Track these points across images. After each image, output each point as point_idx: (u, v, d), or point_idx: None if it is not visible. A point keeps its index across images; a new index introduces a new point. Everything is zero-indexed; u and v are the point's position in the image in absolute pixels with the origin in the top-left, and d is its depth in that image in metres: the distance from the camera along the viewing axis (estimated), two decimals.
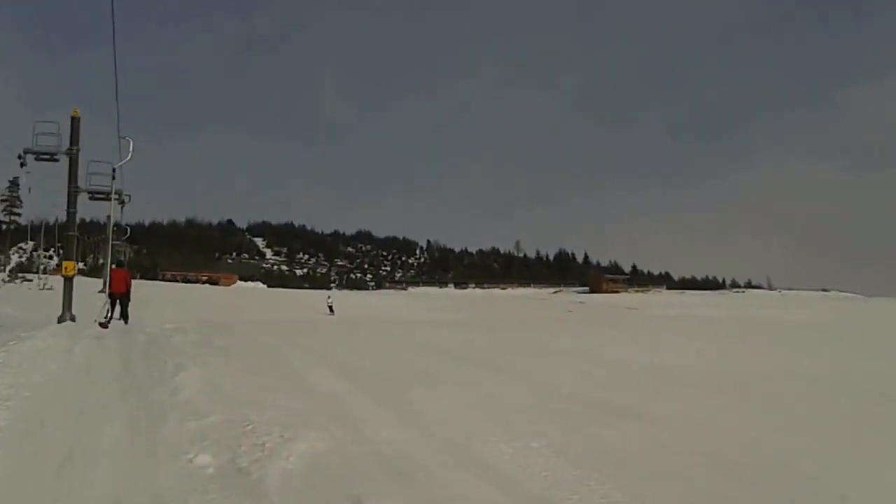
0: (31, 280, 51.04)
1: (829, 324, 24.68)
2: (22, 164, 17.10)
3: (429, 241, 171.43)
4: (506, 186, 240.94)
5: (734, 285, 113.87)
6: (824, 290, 78.40)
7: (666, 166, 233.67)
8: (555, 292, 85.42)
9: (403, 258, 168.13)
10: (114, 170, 19.45)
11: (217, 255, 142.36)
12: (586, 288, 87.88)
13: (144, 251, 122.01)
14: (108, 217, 23.54)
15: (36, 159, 17.15)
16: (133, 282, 18.18)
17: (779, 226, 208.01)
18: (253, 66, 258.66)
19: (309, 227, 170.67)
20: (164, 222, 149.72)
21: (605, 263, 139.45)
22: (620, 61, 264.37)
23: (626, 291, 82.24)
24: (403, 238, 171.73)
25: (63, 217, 18.83)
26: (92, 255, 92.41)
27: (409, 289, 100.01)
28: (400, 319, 23.23)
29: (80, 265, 77.16)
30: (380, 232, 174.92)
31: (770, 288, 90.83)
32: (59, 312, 17.14)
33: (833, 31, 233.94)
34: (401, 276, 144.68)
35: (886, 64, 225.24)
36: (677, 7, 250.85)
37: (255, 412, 5.64)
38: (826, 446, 5.17)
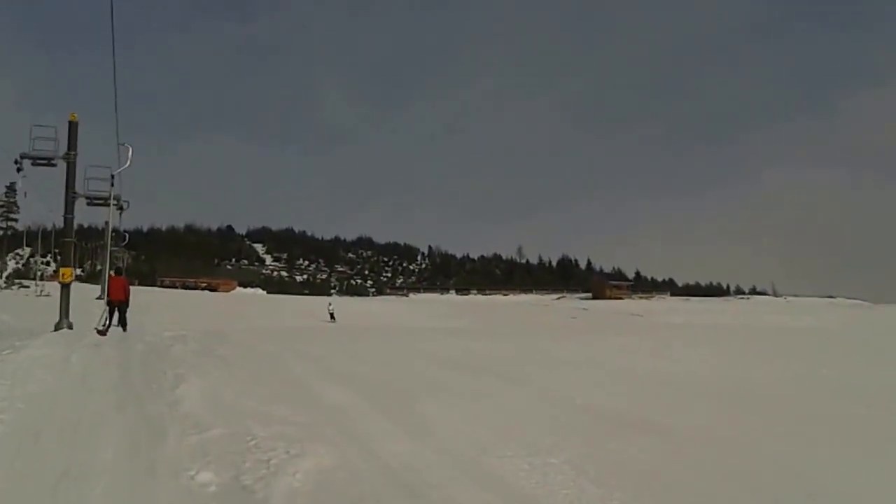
0: (27, 286, 50.72)
1: (838, 331, 24.49)
2: (19, 170, 16.92)
3: (430, 247, 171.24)
4: (508, 192, 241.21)
5: (738, 292, 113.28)
6: (830, 296, 78.05)
7: (669, 172, 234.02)
8: (557, 299, 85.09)
9: (404, 264, 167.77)
10: (112, 176, 19.27)
11: (216, 261, 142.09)
12: (589, 294, 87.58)
13: (143, 257, 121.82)
14: (107, 223, 23.37)
15: (33, 164, 16.96)
16: (131, 288, 18.11)
17: (783, 232, 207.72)
18: (253, 71, 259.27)
19: (309, 233, 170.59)
20: (163, 228, 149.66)
21: (608, 270, 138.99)
22: (623, 67, 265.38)
23: (629, 298, 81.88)
24: (404, 244, 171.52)
25: (60, 223, 18.63)
26: (90, 262, 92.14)
27: (411, 295, 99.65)
28: (402, 327, 23.01)
29: (78, 271, 76.92)
30: (381, 238, 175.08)
31: (775, 294, 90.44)
32: (56, 319, 16.91)
33: (836, 37, 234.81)
34: (402, 283, 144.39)
35: (892, 68, 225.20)
36: (679, 13, 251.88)
37: (258, 425, 5.43)
38: (858, 464, 4.97)
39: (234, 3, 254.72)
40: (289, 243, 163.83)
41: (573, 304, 65.84)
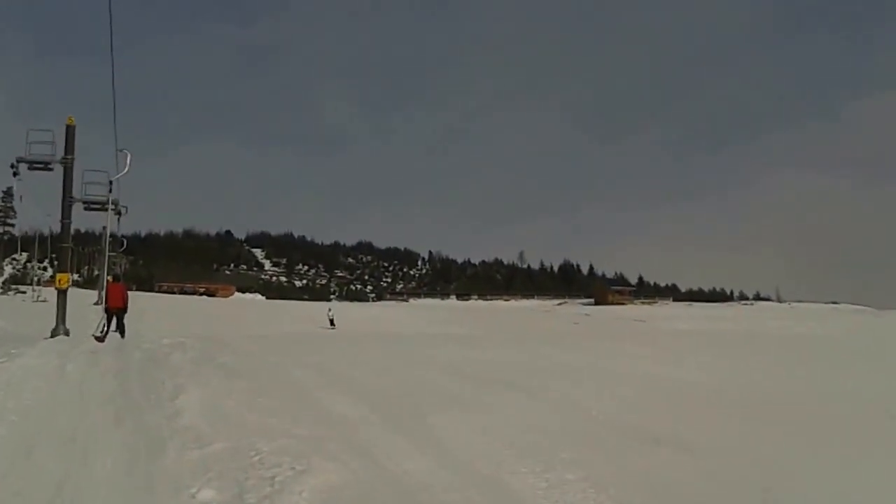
0: (24, 292, 50.44)
1: (845, 338, 24.27)
2: (15, 174, 16.67)
3: (430, 252, 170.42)
4: (509, 197, 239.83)
5: (742, 297, 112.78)
6: (834, 302, 77.74)
7: (672, 176, 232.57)
8: (559, 304, 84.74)
9: (405, 269, 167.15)
10: (111, 182, 19.04)
11: (215, 266, 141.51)
12: (591, 300, 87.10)
13: (141, 262, 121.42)
14: (104, 228, 23.10)
15: (29, 168, 16.71)
16: (129, 294, 18.00)
17: (787, 237, 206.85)
18: (252, 74, 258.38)
19: (308, 238, 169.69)
20: (161, 233, 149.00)
21: (610, 275, 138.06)
22: (625, 71, 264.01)
23: (632, 303, 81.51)
24: (405, 249, 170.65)
25: (57, 227, 18.41)
26: (87, 267, 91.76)
27: (411, 300, 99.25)
28: (404, 333, 22.76)
29: (75, 276, 76.52)
30: (380, 243, 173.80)
31: (779, 300, 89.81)
32: (53, 325, 16.67)
33: (840, 41, 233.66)
34: (402, 288, 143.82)
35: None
36: (680, 18, 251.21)
37: (262, 440, 5.19)
38: (887, 480, 4.75)
39: (232, 6, 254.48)
40: (288, 248, 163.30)
41: (575, 310, 65.55)
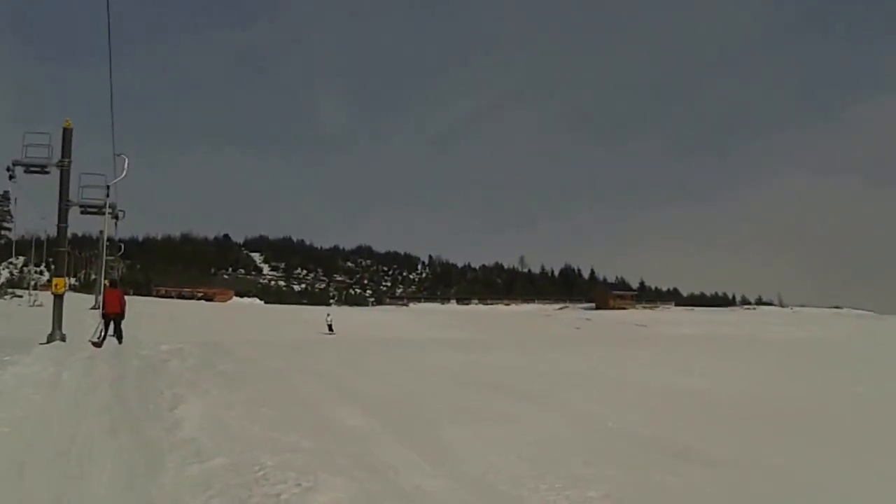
0: (20, 296, 50.06)
1: (848, 342, 24.05)
2: (11, 177, 16.44)
3: (430, 256, 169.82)
4: (509, 200, 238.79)
5: (744, 302, 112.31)
6: (837, 307, 77.56)
7: (673, 180, 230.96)
8: (560, 309, 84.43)
9: (404, 273, 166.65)
10: (108, 187, 18.83)
11: (213, 270, 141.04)
12: (593, 304, 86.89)
13: (138, 266, 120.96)
14: (102, 232, 22.89)
15: (26, 172, 16.47)
16: (126, 298, 17.86)
17: (788, 241, 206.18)
18: (250, 78, 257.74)
19: (307, 242, 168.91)
20: (159, 237, 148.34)
21: (611, 279, 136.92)
22: (626, 74, 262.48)
23: (633, 308, 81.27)
24: (404, 253, 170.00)
25: (54, 231, 18.16)
26: (84, 271, 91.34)
27: (411, 305, 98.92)
28: (406, 339, 22.49)
29: (72, 280, 76.13)
30: (380, 247, 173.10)
31: (781, 305, 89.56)
32: (49, 330, 16.39)
33: (842, 43, 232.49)
34: (401, 292, 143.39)
35: None
36: (683, 22, 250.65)
37: (266, 454, 4.94)
38: None
39: (229, 9, 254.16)
40: (286, 252, 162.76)
41: (577, 315, 65.24)
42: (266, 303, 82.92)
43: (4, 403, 6.62)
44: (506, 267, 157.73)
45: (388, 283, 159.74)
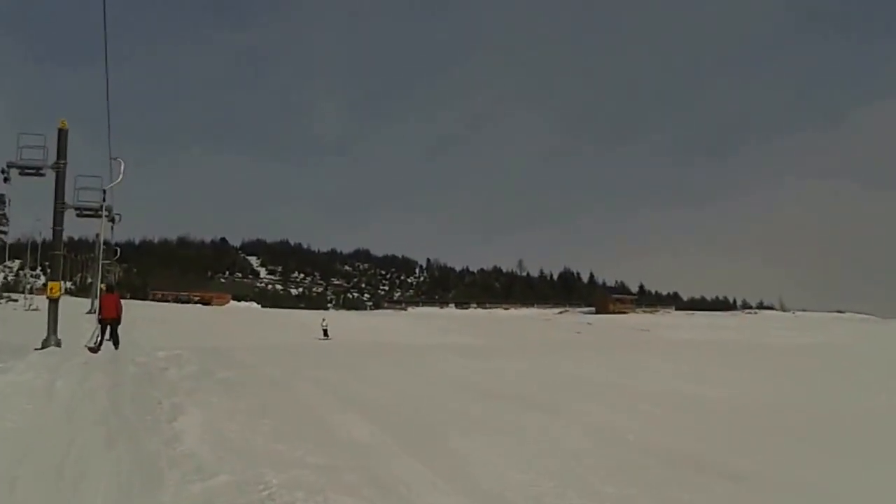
0: (16, 300, 49.63)
1: (857, 348, 23.82)
2: (6, 179, 16.14)
3: (428, 260, 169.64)
4: (508, 204, 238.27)
5: (745, 306, 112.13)
6: (839, 311, 77.35)
7: (674, 183, 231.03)
8: (560, 313, 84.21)
9: (402, 277, 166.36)
10: (104, 191, 18.58)
11: (210, 274, 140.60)
12: (592, 308, 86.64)
13: (135, 270, 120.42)
14: (98, 235, 22.61)
15: (21, 174, 16.19)
16: (123, 303, 17.61)
17: (789, 245, 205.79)
18: (247, 80, 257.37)
19: (305, 246, 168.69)
20: (155, 240, 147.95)
21: (611, 283, 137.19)
22: (626, 76, 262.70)
23: (634, 312, 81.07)
24: (402, 257, 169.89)
25: (49, 234, 17.88)
26: (80, 275, 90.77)
27: (409, 309, 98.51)
28: (407, 344, 22.20)
29: (68, 284, 75.66)
30: (378, 250, 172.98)
31: (783, 309, 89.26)
32: (44, 335, 16.09)
33: (845, 46, 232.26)
34: (399, 296, 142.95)
35: None
36: (684, 24, 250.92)
37: (271, 469, 4.67)
38: None
39: (227, 11, 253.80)
40: (284, 256, 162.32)
41: (576, 319, 65.01)
42: (263, 307, 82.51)
43: None
44: (504, 271, 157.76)
45: (386, 287, 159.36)
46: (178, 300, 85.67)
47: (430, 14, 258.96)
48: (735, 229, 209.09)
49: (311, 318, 42.39)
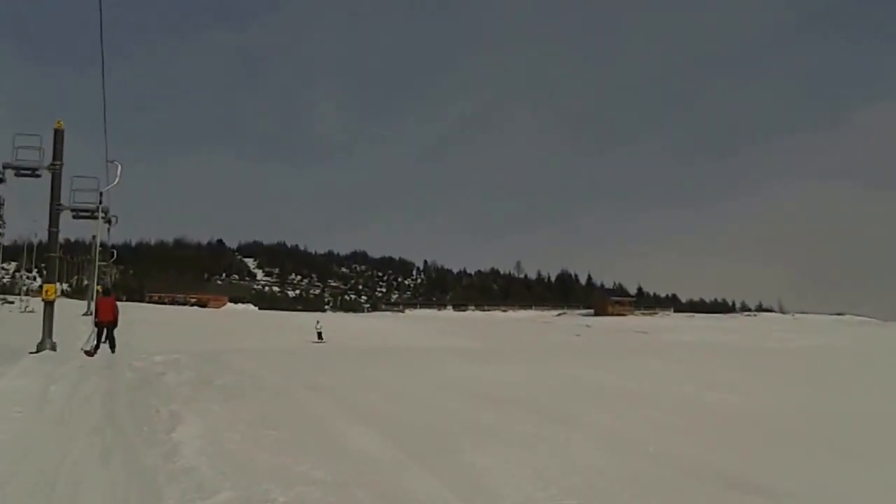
0: (12, 302, 49.25)
1: (863, 351, 23.62)
2: (1, 180, 15.89)
3: (426, 262, 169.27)
4: (505, 205, 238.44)
5: (744, 308, 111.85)
6: (839, 313, 77.19)
7: (672, 185, 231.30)
8: (558, 315, 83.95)
9: (399, 279, 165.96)
10: (100, 193, 18.34)
11: (206, 276, 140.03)
12: (591, 310, 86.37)
13: (131, 272, 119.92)
14: (94, 237, 22.31)
15: (16, 174, 15.94)
16: (119, 305, 17.42)
17: (789, 247, 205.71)
18: (244, 82, 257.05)
19: (302, 247, 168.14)
20: (152, 242, 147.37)
21: (609, 285, 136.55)
22: (625, 77, 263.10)
23: (632, 314, 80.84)
24: (399, 258, 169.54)
25: (45, 236, 17.61)
26: (76, 277, 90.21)
27: (407, 311, 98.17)
28: (405, 347, 21.92)
29: (64, 286, 75.16)
30: (375, 252, 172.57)
31: (782, 311, 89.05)
32: (39, 338, 15.79)
33: (846, 47, 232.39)
34: (397, 298, 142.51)
35: None
36: (682, 25, 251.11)
37: (276, 486, 4.40)
38: None
39: (224, 11, 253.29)
40: (281, 258, 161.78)
41: (575, 321, 64.66)
42: (260, 309, 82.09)
43: None
44: (502, 272, 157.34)
45: (384, 289, 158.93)
46: (174, 302, 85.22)
47: (430, 14, 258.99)
48: (734, 230, 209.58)
49: (308, 321, 42.03)
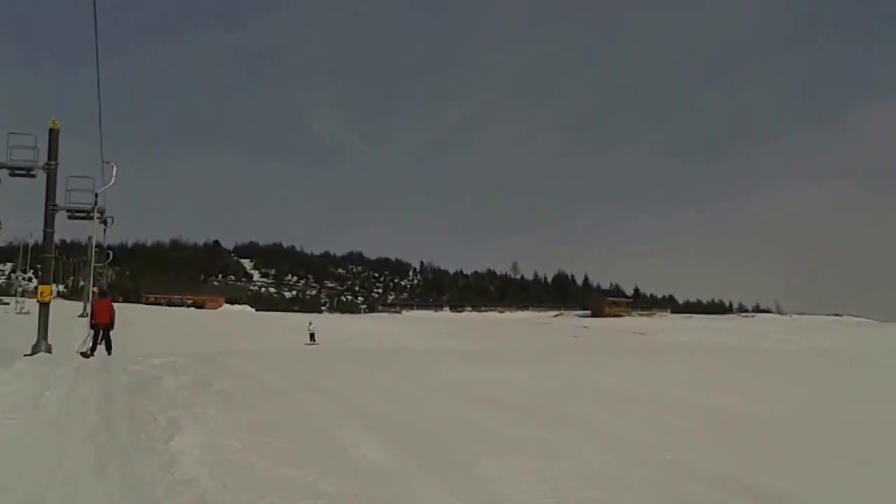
0: (7, 303, 48.85)
1: (863, 353, 23.46)
2: None
3: (422, 263, 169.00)
4: (502, 206, 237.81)
5: (741, 309, 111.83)
6: (836, 314, 77.25)
7: (669, 186, 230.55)
8: (555, 316, 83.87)
9: (396, 280, 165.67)
10: (96, 195, 18.13)
11: (203, 277, 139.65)
12: (588, 311, 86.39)
13: (127, 273, 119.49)
14: (90, 238, 22.07)
15: (11, 174, 15.67)
16: (115, 306, 17.25)
17: (786, 248, 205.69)
18: (241, 83, 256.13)
19: (298, 248, 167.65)
20: (148, 243, 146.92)
21: (605, 286, 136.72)
22: (622, 79, 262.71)
23: (629, 315, 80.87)
24: (396, 259, 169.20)
25: (41, 237, 17.36)
26: (72, 278, 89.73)
27: (403, 312, 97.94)
28: (404, 349, 21.68)
29: (60, 288, 74.72)
30: (371, 253, 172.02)
31: (779, 312, 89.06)
32: (34, 340, 15.53)
33: (844, 48, 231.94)
34: (393, 299, 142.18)
35: None
36: (680, 26, 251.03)
37: (279, 499, 4.19)
38: None
39: (221, 11, 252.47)
40: (277, 258, 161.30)
41: (572, 322, 64.50)
42: (257, 310, 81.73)
43: None
44: (498, 273, 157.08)
45: (380, 290, 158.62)
46: (171, 303, 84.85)
47: (430, 14, 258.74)
48: (731, 231, 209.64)
49: (305, 322, 41.77)
